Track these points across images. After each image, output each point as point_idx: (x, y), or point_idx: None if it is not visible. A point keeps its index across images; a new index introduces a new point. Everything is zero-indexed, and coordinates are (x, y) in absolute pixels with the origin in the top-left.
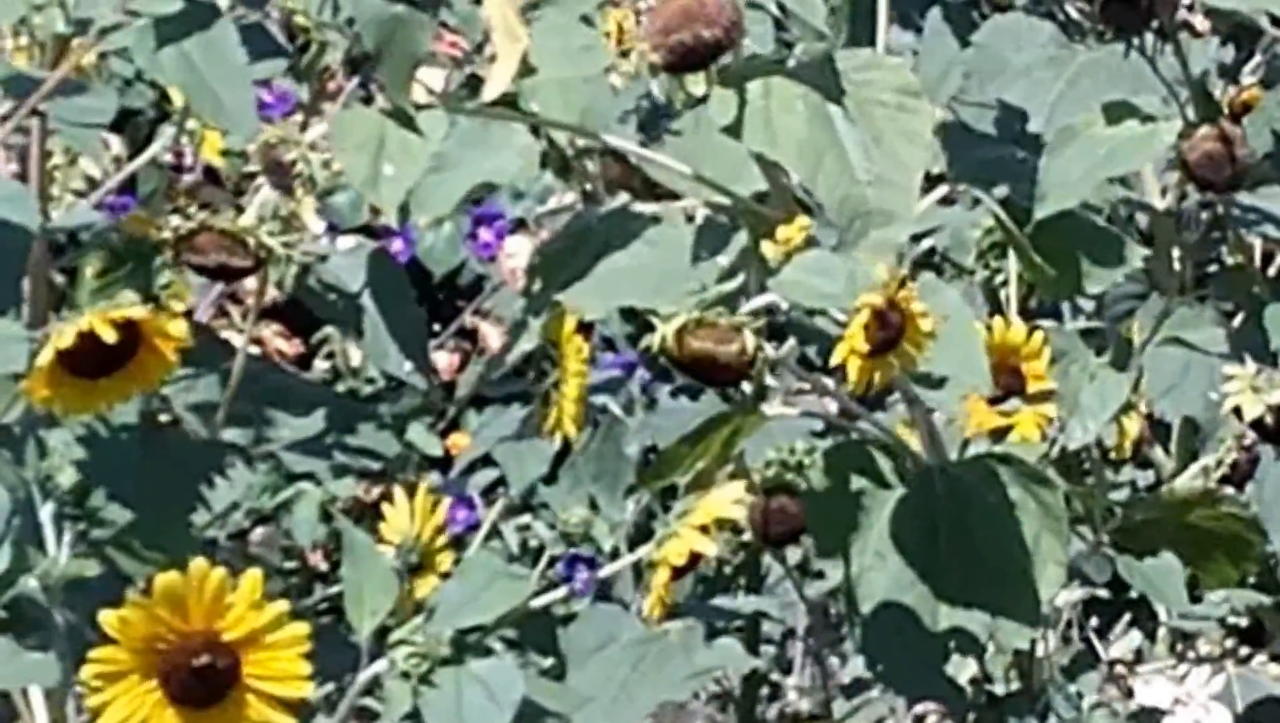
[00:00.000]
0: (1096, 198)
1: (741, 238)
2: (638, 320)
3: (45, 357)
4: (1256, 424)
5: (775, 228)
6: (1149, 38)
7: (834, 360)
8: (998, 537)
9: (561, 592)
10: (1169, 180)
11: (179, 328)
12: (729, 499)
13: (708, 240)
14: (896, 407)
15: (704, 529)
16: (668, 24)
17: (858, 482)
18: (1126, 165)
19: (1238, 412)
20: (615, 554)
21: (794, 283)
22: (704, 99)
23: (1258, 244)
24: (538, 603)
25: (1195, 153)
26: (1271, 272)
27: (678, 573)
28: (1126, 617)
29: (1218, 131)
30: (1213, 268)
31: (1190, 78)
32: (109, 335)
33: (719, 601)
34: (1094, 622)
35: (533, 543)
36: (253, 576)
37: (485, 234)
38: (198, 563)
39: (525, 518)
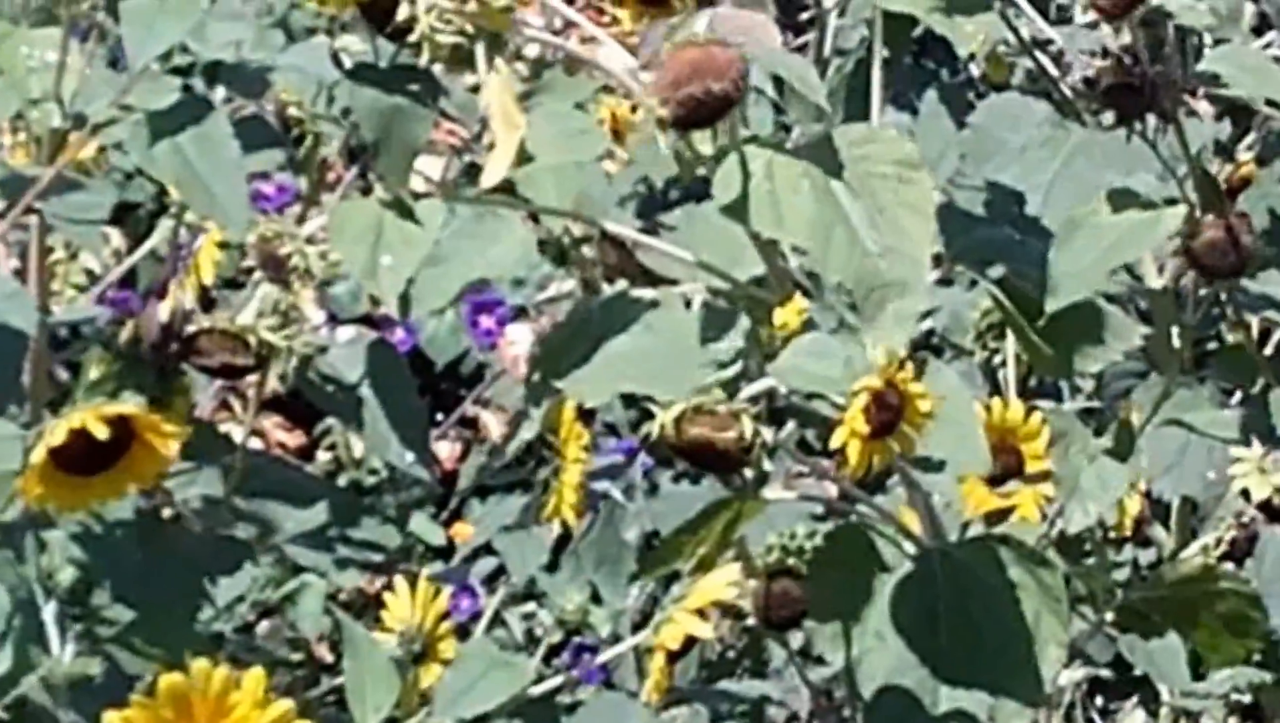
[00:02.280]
0: (1106, 287)
1: (744, 323)
2: (639, 406)
3: (38, 455)
4: (1264, 505)
5: (772, 312)
6: (1150, 119)
7: (834, 444)
8: (998, 618)
9: (559, 679)
10: (1166, 258)
11: (174, 424)
12: (724, 582)
13: (709, 325)
14: (896, 489)
15: (701, 613)
16: (677, 78)
17: (858, 565)
18: (1133, 253)
19: (1245, 493)
20: (617, 641)
21: (792, 368)
22: (704, 180)
23: (1254, 321)
24: (537, 691)
25: (1199, 241)
26: (1269, 349)
27: (675, 657)
28: (1132, 696)
29: (1221, 221)
30: (1212, 345)
31: (1191, 161)
32: (101, 432)
33: (723, 685)
34: (1099, 701)
35: (537, 632)
36: (256, 673)
37: (486, 321)
38: (200, 663)
39: (530, 606)
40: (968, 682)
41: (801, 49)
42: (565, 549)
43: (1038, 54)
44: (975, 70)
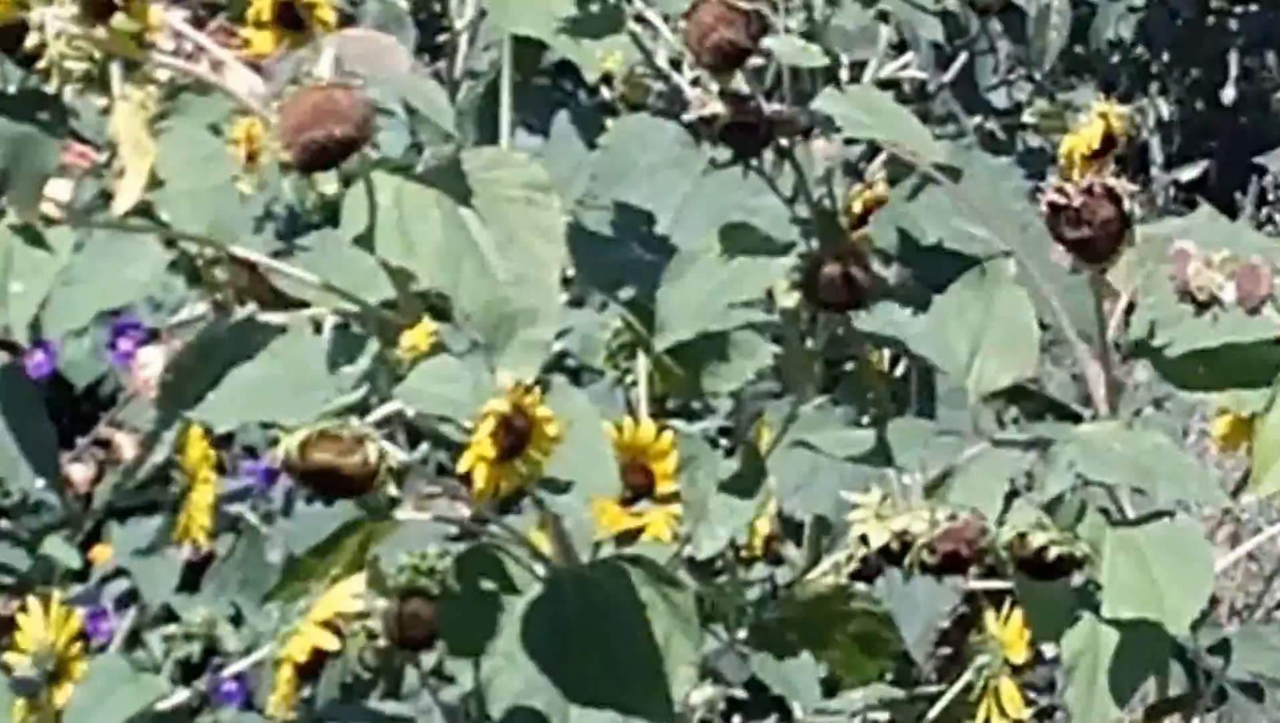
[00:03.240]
0: (717, 324)
1: (373, 346)
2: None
3: None
4: (883, 551)
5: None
6: (768, 155)
7: (461, 468)
8: (628, 638)
9: (187, 693)
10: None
11: None
12: (347, 594)
13: (337, 349)
14: (531, 509)
15: (331, 628)
16: (300, 122)
17: (489, 586)
18: (744, 292)
19: (864, 539)
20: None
21: (419, 391)
22: (337, 205)
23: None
24: (167, 706)
25: (815, 277)
26: (899, 372)
27: (307, 673)
28: (768, 716)
29: (837, 256)
30: (849, 365)
31: (809, 199)
32: None
33: (358, 705)
34: (735, 721)
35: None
36: None
37: (125, 344)
38: None
39: (171, 628)
40: (598, 702)
41: (439, 72)
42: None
43: (674, 75)
44: (610, 93)
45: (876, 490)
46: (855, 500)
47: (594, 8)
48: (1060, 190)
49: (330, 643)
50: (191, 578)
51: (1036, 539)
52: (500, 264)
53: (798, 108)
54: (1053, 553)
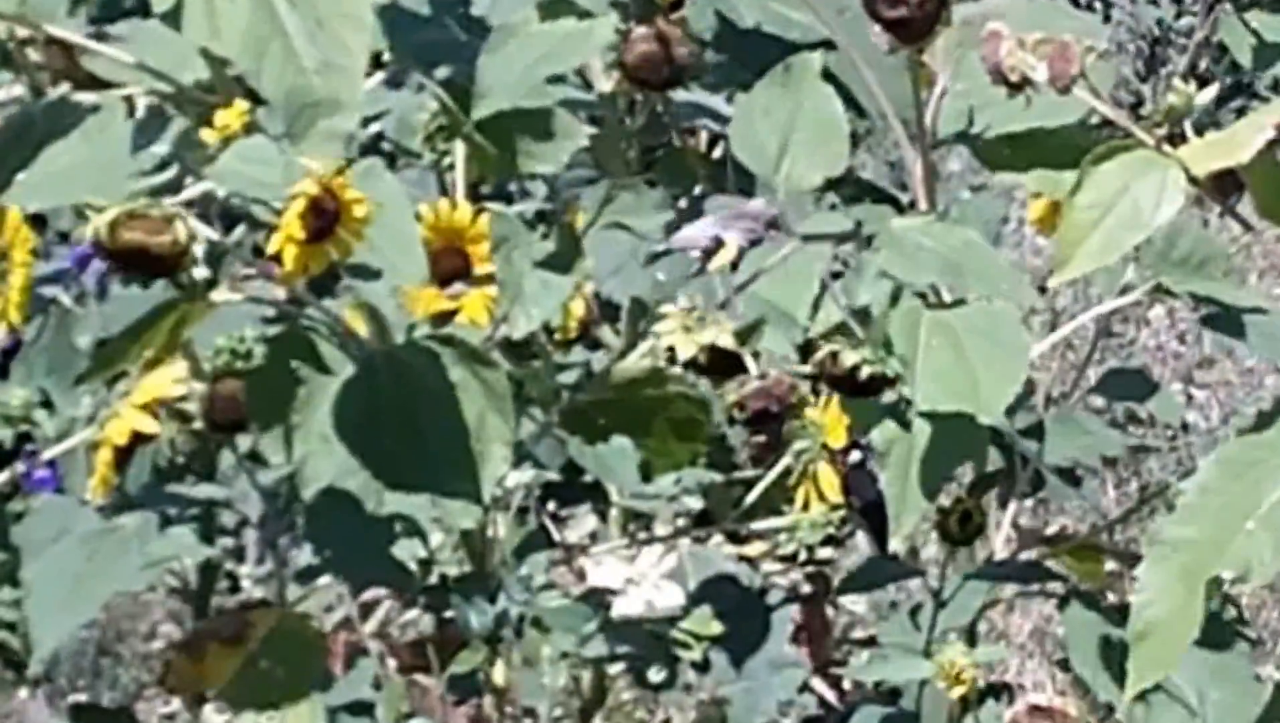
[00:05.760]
0: (535, 97)
1: (178, 127)
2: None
3: None
4: (690, 363)
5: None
6: None
7: (270, 249)
8: (440, 419)
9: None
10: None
11: None
12: (168, 379)
13: (147, 130)
14: (347, 292)
15: (149, 411)
16: None
17: (301, 367)
18: (564, 64)
19: (672, 352)
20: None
21: (231, 172)
22: None
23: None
24: None
25: (632, 54)
26: (717, 154)
27: (124, 457)
28: (584, 500)
29: (655, 31)
30: (662, 151)
31: None
32: None
33: (172, 489)
34: (551, 506)
35: None
36: None
37: None
38: None
39: None
40: (410, 484)
41: None
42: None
43: None
44: None
45: (684, 300)
46: (663, 311)
47: None
48: None
49: (150, 427)
50: (3, 365)
51: (849, 358)
52: (307, 50)
53: None
54: (865, 372)
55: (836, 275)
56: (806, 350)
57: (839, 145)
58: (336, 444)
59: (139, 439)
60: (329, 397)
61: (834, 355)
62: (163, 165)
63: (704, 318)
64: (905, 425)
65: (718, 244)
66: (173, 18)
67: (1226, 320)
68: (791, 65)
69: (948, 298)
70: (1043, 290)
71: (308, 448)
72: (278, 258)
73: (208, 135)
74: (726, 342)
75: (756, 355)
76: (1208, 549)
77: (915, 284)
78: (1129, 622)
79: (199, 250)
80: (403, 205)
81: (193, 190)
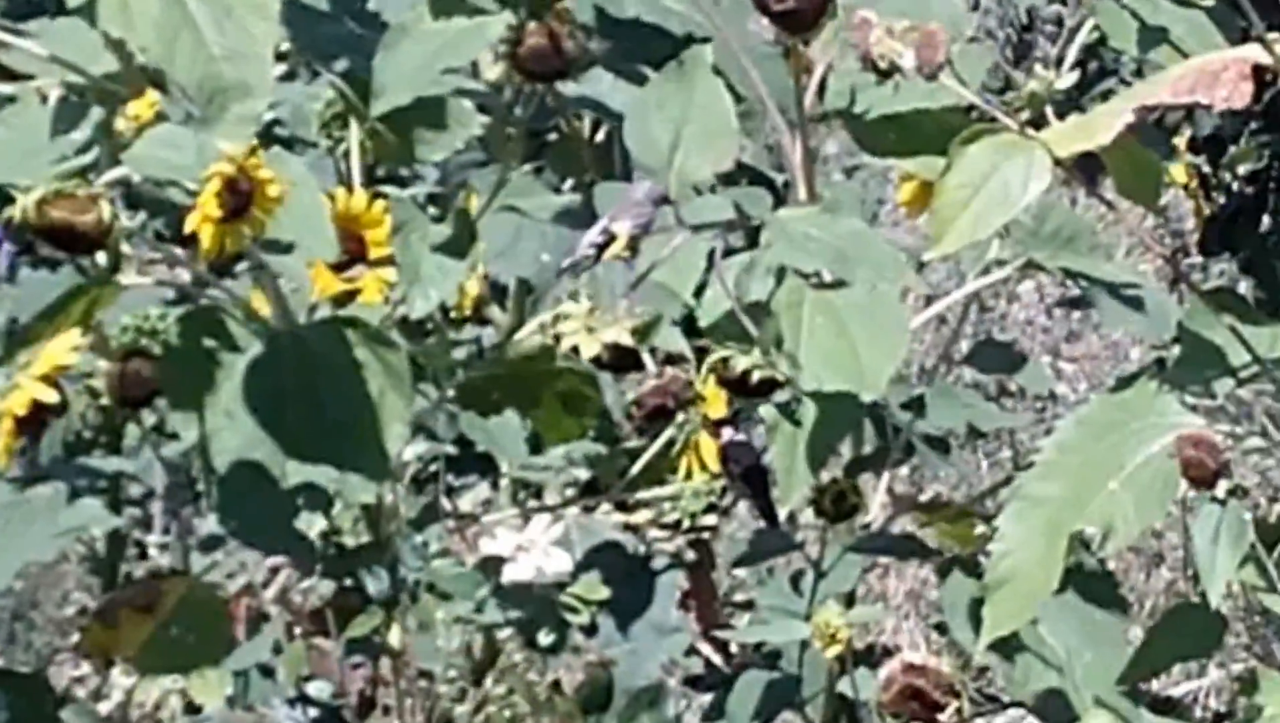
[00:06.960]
0: (432, 90)
1: (95, 115)
2: (2, 197)
3: None
4: (595, 361)
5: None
6: None
7: (188, 228)
8: (343, 396)
9: None
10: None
11: None
12: (66, 347)
13: (64, 118)
14: (247, 275)
15: (49, 382)
16: None
17: (210, 346)
18: (459, 58)
19: (575, 350)
20: None
21: (145, 157)
22: None
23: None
24: None
25: (523, 48)
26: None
27: (26, 425)
28: (477, 471)
29: (544, 27)
30: (553, 136)
31: None
32: None
33: (81, 461)
34: (449, 478)
35: None
36: None
37: None
38: None
39: None
40: (315, 457)
41: None
42: None
43: None
44: None
45: (585, 300)
46: (565, 311)
47: None
48: None
49: (49, 396)
50: None
51: (740, 363)
52: (215, 39)
53: None
54: (755, 377)
55: (728, 253)
56: (701, 353)
57: (729, 140)
58: (243, 418)
59: (41, 410)
60: (237, 374)
61: (725, 361)
62: (84, 149)
63: (605, 316)
64: (795, 422)
65: (609, 237)
66: (87, 11)
67: (1094, 296)
68: (685, 60)
69: (828, 278)
70: (921, 267)
71: (216, 423)
72: (190, 239)
73: (121, 124)
74: (626, 340)
75: (654, 352)
76: (1069, 506)
77: (802, 271)
78: (986, 571)
79: (120, 229)
80: (311, 186)
81: (111, 173)
